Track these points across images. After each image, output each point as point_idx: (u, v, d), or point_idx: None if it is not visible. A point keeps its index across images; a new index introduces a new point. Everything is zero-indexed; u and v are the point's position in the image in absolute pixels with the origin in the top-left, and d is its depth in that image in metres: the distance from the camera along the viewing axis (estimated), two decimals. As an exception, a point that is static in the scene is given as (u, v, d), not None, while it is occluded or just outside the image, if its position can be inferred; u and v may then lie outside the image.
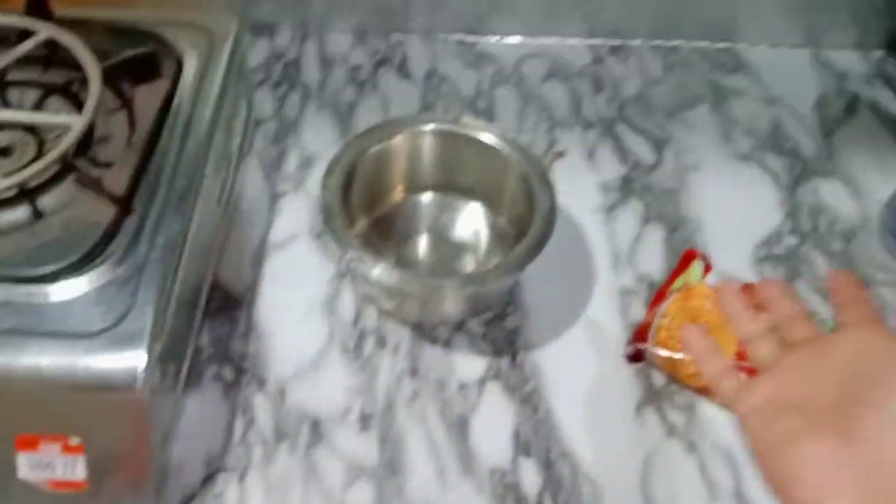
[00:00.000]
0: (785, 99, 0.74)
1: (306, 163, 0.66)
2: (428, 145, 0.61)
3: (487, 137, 0.60)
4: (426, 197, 0.63)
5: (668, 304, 0.55)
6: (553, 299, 0.59)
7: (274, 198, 0.64)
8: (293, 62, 0.74)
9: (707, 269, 0.57)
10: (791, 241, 0.63)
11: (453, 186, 0.63)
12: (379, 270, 0.51)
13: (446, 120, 0.61)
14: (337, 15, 0.76)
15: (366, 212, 0.60)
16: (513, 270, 0.54)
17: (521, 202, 0.58)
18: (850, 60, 0.78)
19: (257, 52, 0.75)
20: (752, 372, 0.41)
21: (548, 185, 0.57)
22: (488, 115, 0.71)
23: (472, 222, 0.62)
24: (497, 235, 0.61)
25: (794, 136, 0.71)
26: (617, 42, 0.78)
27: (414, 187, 0.63)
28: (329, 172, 0.56)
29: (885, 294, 0.60)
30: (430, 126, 0.60)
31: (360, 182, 0.58)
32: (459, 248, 0.61)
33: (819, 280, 0.61)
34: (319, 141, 0.67)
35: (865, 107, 0.74)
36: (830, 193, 0.67)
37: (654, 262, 0.61)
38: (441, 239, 0.62)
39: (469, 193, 0.63)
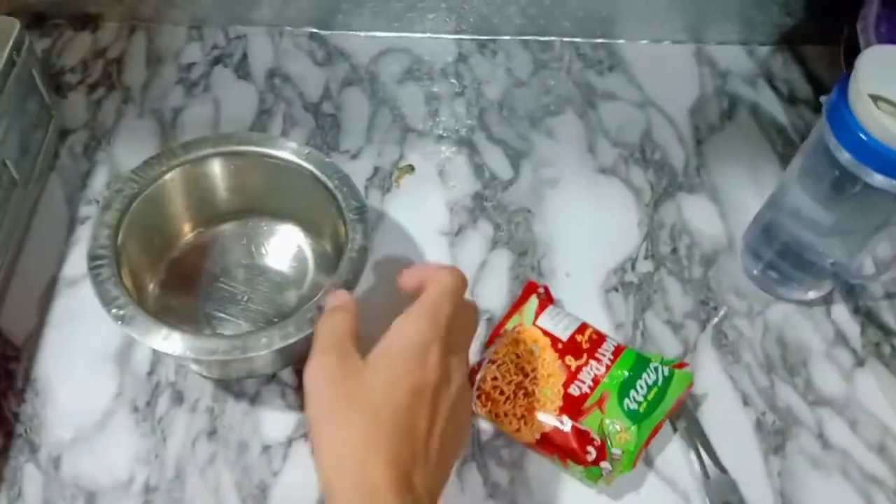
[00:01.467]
0: (660, 102, 0.69)
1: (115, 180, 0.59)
2: (218, 170, 0.54)
3: (286, 155, 0.52)
4: (233, 226, 0.56)
5: (497, 348, 0.50)
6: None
7: (72, 224, 0.56)
8: (115, 60, 0.66)
9: (544, 303, 0.52)
10: (646, 266, 0.58)
11: (264, 210, 0.56)
12: (161, 342, 0.44)
13: (234, 139, 0.53)
14: (170, 4, 0.68)
15: (158, 256, 0.53)
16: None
17: (339, 227, 0.51)
18: (735, 57, 0.73)
19: (76, 49, 0.67)
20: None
21: (360, 214, 0.50)
22: (334, 120, 0.65)
23: (290, 248, 0.56)
24: (321, 262, 0.55)
25: (664, 144, 0.66)
26: (484, 37, 0.72)
27: (213, 217, 0.56)
28: (106, 207, 0.49)
29: (741, 324, 0.56)
30: (216, 149, 0.53)
31: (146, 219, 0.51)
32: (280, 283, 0.55)
33: (670, 311, 0.56)
34: (135, 154, 0.58)
35: (745, 110, 0.69)
36: (695, 211, 0.62)
37: (496, 293, 0.56)
38: (258, 272, 0.55)
39: (282, 216, 0.56)
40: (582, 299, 0.56)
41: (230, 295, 0.53)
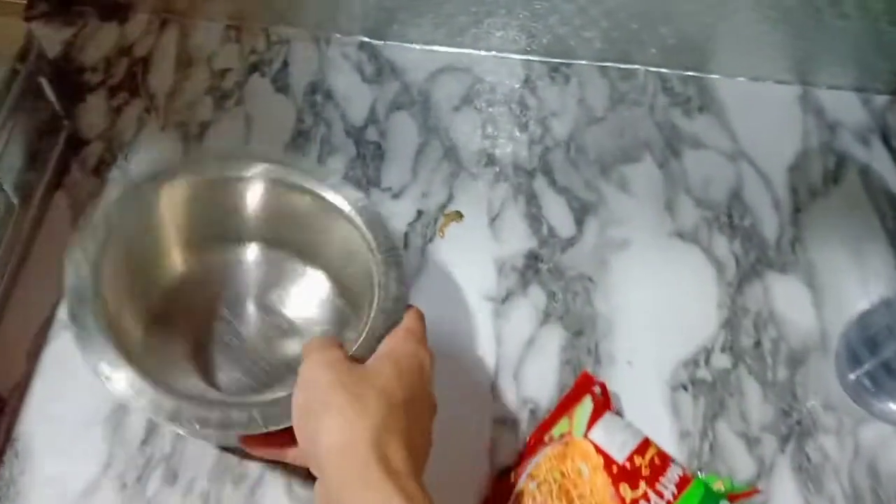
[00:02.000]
0: (755, 154, 0.59)
1: (130, 205, 0.52)
2: (252, 191, 0.47)
3: (314, 186, 0.46)
4: (247, 253, 0.49)
5: (540, 461, 0.43)
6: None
7: (77, 254, 0.51)
8: (142, 59, 0.59)
9: (599, 408, 0.44)
10: (723, 361, 0.50)
11: (276, 242, 0.49)
12: (145, 402, 0.38)
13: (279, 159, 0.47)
14: (209, -3, 0.61)
15: (144, 289, 0.46)
16: None
17: (361, 279, 0.44)
18: (847, 105, 0.62)
19: (101, 42, 0.60)
20: None
21: (396, 266, 0.43)
22: (377, 149, 0.57)
23: (306, 290, 0.48)
24: (337, 313, 0.47)
25: (756, 208, 0.57)
26: (557, 60, 0.63)
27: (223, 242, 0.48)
28: (84, 235, 0.42)
29: (827, 444, 0.48)
30: (255, 167, 0.46)
31: (135, 249, 0.44)
32: (286, 329, 0.47)
33: (747, 420, 0.48)
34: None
35: (854, 172, 0.59)
36: (786, 296, 0.53)
37: (543, 379, 0.48)
38: (266, 311, 0.48)
39: (299, 253, 0.49)
40: (643, 397, 0.48)
41: (230, 335, 0.47)
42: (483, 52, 0.63)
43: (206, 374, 0.45)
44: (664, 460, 0.42)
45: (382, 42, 0.62)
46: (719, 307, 0.52)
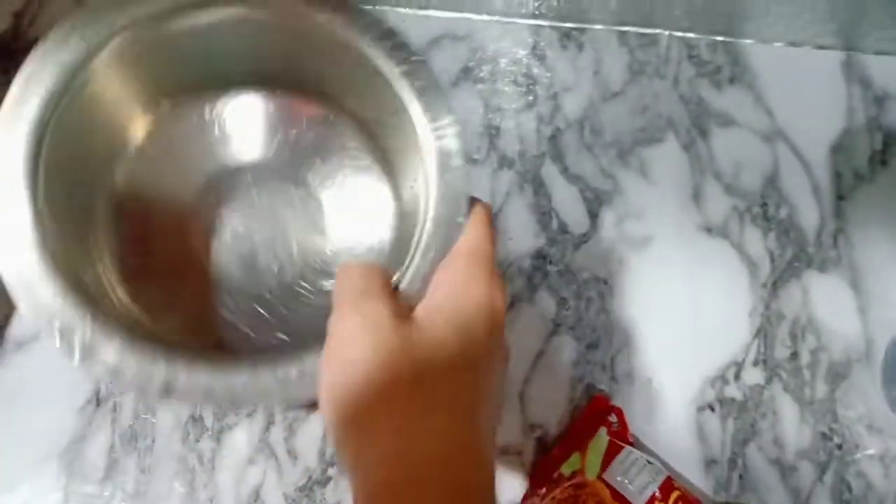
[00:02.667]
0: (793, 133, 0.52)
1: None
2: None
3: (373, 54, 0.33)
4: (240, 103, 0.36)
5: (547, 503, 0.38)
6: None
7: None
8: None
9: (615, 443, 0.39)
10: (755, 376, 0.45)
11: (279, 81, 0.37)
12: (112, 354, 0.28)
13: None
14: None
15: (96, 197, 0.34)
16: None
17: (403, 136, 0.34)
18: (898, 72, 0.55)
19: (55, 11, 0.53)
20: None
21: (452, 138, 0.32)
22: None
23: (335, 148, 0.37)
24: (379, 181, 0.37)
25: (794, 196, 0.50)
26: (569, 25, 0.55)
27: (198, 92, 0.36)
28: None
29: (871, 471, 0.42)
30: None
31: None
32: (320, 224, 0.36)
33: (781, 445, 0.43)
34: None
35: (906, 152, 0.53)
36: (827, 300, 0.47)
37: (551, 400, 0.43)
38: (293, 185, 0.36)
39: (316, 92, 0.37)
40: (666, 418, 0.43)
41: (238, 241, 0.35)
42: (485, 17, 0.55)
43: (203, 302, 0.34)
44: (689, 503, 0.37)
45: (371, 7, 0.55)
46: (752, 313, 0.46)
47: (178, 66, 0.35)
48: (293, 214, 0.37)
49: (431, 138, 0.32)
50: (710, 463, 0.42)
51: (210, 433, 0.41)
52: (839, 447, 0.43)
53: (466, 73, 0.53)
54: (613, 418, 0.41)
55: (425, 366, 0.26)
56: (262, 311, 0.35)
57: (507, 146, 0.51)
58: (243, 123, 0.37)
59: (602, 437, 0.39)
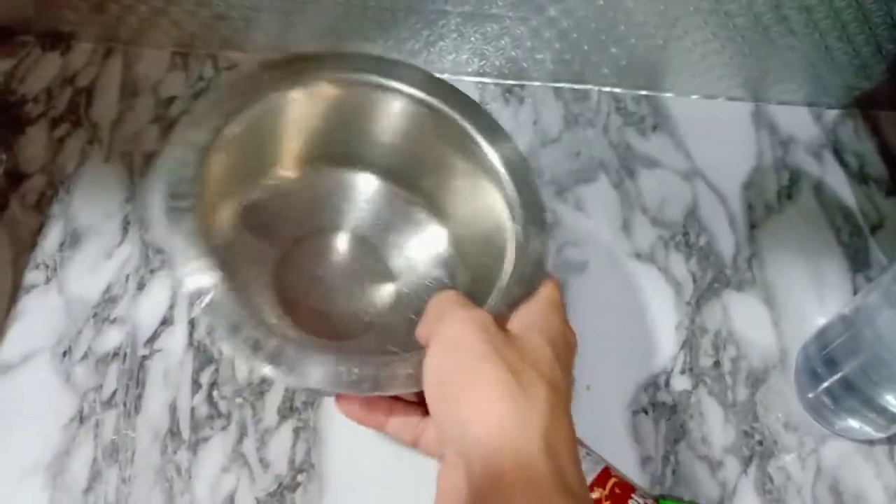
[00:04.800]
0: (709, 172, 0.59)
1: (72, 240, 0.50)
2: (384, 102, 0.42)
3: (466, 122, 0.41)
4: (363, 182, 0.44)
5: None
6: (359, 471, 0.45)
7: (16, 293, 0.48)
8: (85, 89, 0.58)
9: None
10: (682, 383, 0.50)
11: (400, 178, 0.44)
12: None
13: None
14: (153, 25, 0.59)
15: (245, 192, 0.42)
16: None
17: (489, 242, 0.40)
18: (799, 121, 0.63)
19: (42, 73, 0.58)
20: None
21: (540, 225, 0.39)
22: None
23: (418, 240, 0.44)
24: (448, 271, 0.43)
25: (712, 226, 0.57)
26: (511, 82, 0.62)
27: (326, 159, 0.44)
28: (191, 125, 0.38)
29: (790, 465, 0.47)
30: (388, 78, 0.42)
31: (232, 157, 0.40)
32: (384, 274, 0.43)
33: (708, 443, 0.48)
34: (97, 208, 0.52)
35: (807, 187, 0.60)
36: (744, 315, 0.53)
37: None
38: (365, 248, 0.43)
39: (424, 198, 0.44)
40: (603, 421, 0.47)
41: (320, 266, 0.42)
42: (436, 75, 0.62)
43: (285, 303, 0.40)
44: (625, 490, 0.42)
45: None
46: (678, 328, 0.52)
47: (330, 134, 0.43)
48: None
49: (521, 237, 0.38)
50: (645, 460, 0.47)
51: (187, 445, 0.44)
52: (760, 443, 0.48)
53: (420, 123, 0.59)
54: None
55: (525, 365, 0.29)
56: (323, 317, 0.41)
57: (457, 186, 0.57)
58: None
59: None
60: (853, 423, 0.48)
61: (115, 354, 0.46)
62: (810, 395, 0.49)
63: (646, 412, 0.48)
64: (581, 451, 0.43)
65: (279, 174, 0.43)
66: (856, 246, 0.57)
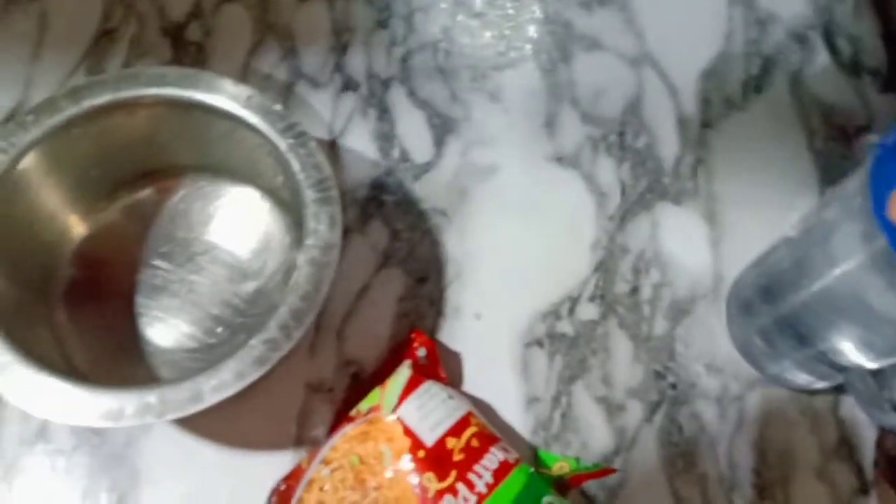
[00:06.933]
0: (662, 58, 0.49)
1: None
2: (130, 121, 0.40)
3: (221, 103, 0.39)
4: (160, 191, 0.43)
5: (336, 442, 0.36)
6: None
7: None
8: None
9: (416, 377, 0.37)
10: (589, 311, 0.42)
11: (205, 168, 0.43)
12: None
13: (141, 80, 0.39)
14: None
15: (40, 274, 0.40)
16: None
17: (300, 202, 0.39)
18: (787, -6, 0.52)
19: None
20: None
21: (325, 192, 0.38)
22: (198, 52, 0.47)
23: (241, 214, 0.43)
24: (288, 236, 0.42)
25: (656, 124, 0.47)
26: (431, -63, 0.51)
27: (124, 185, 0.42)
28: None
29: (706, 412, 0.40)
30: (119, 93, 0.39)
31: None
32: (234, 266, 0.41)
33: (610, 384, 0.41)
34: None
35: (782, 78, 0.49)
36: (677, 233, 0.44)
37: (371, 337, 0.41)
38: (201, 251, 0.42)
39: (234, 176, 0.43)
40: (489, 356, 0.41)
41: (163, 283, 0.41)
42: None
43: (143, 333, 0.40)
44: (485, 442, 0.35)
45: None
46: (594, 247, 0.43)
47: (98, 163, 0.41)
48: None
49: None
50: (531, 401, 0.40)
51: None
52: (673, 386, 0.41)
53: (317, -10, 0.50)
54: (423, 352, 0.38)
55: None
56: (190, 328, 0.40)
57: (353, 68, 0.48)
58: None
59: (403, 371, 0.37)
60: (791, 368, 0.40)
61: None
62: (741, 333, 0.42)
63: (540, 345, 0.41)
64: (443, 394, 0.36)
65: (65, 235, 0.41)
66: (831, 153, 0.47)
